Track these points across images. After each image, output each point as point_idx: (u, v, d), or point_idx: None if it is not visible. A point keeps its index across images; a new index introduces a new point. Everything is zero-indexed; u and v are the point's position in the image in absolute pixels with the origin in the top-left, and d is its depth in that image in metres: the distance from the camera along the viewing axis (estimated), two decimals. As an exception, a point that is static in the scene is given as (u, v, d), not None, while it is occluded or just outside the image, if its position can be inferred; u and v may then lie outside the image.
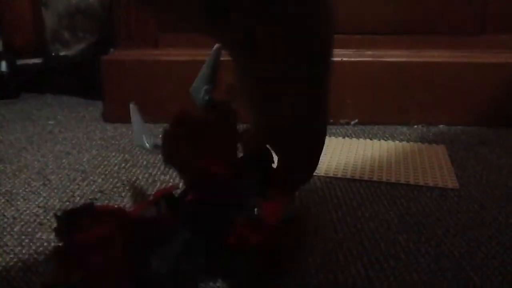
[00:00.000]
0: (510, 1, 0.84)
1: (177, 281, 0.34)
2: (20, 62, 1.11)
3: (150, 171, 0.66)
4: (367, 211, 0.55)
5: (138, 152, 0.73)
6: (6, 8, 1.12)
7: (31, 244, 0.48)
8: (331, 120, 0.87)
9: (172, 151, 0.35)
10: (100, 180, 0.63)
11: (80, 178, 0.64)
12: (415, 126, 0.86)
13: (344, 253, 0.46)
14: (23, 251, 0.46)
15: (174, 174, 0.64)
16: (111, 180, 0.63)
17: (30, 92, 1.09)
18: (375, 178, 0.63)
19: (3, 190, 0.60)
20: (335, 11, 0.36)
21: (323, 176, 0.64)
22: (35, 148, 0.75)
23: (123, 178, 0.63)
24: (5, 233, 0.50)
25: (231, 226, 0.36)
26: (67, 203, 0.56)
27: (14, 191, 0.60)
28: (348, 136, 0.80)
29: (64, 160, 0.70)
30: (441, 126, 0.86)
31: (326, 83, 0.37)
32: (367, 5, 0.85)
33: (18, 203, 0.57)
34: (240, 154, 0.39)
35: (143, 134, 0.47)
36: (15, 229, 0.51)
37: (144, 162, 0.69)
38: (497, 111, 0.85)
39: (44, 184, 0.62)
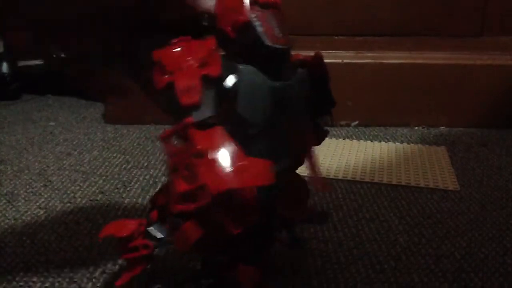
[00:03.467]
0: (509, 4, 0.84)
1: None
2: (21, 63, 1.11)
3: (151, 172, 0.66)
4: (368, 213, 0.55)
5: (139, 153, 0.73)
6: (7, 9, 1.12)
7: (32, 245, 0.48)
8: (332, 122, 0.87)
9: None
10: (101, 181, 0.63)
11: (81, 179, 0.64)
12: (416, 128, 0.86)
13: (345, 254, 0.46)
14: (24, 252, 0.47)
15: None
16: (112, 181, 0.63)
17: (31, 93, 1.10)
18: (375, 180, 0.63)
19: (4, 191, 0.60)
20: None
21: (323, 178, 0.64)
22: (36, 149, 0.75)
23: (124, 179, 0.63)
24: (6, 234, 0.50)
25: None
26: (68, 204, 0.56)
27: (15, 192, 0.60)
28: (348, 138, 0.81)
29: (65, 161, 0.70)
30: (441, 127, 0.86)
31: None
32: (367, 7, 0.85)
33: (19, 204, 0.57)
34: None
35: None
36: (16, 230, 0.51)
37: (145, 163, 0.69)
38: (497, 112, 0.86)
39: (45, 185, 0.62)
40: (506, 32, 0.85)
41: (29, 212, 0.55)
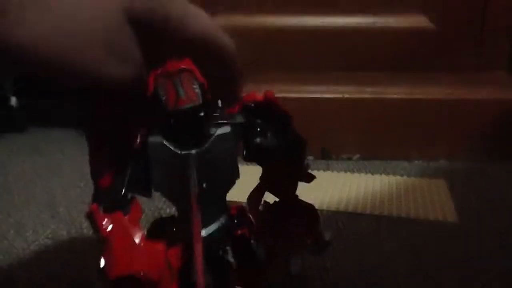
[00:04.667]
0: (504, 40, 0.86)
1: None
2: (29, 96, 1.13)
3: (156, 203, 0.67)
4: (368, 244, 0.56)
5: (144, 185, 0.74)
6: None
7: (40, 275, 0.49)
8: (333, 156, 0.88)
9: None
10: (107, 212, 0.64)
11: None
12: (416, 161, 0.87)
13: (346, 284, 0.47)
14: (32, 282, 0.48)
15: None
16: (118, 212, 0.64)
17: (37, 125, 1.11)
18: (376, 212, 0.65)
19: (12, 221, 0.61)
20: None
21: (325, 210, 0.65)
22: (43, 181, 0.76)
23: (130, 210, 0.64)
24: (14, 264, 0.51)
25: None
26: (76, 234, 0.58)
27: (23, 222, 0.61)
28: (349, 171, 0.82)
29: (71, 193, 0.71)
30: (441, 160, 0.87)
31: None
32: (367, 44, 0.88)
33: (27, 234, 0.58)
34: None
35: None
36: (24, 260, 0.52)
37: (150, 195, 0.70)
38: (495, 145, 0.87)
39: (53, 216, 0.63)
40: (502, 67, 0.87)
41: (37, 242, 0.56)
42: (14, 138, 1.02)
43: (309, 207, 0.43)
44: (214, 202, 0.35)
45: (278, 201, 0.43)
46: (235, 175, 0.35)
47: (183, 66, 0.32)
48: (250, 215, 0.40)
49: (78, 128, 1.08)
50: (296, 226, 0.43)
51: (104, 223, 0.32)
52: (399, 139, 0.88)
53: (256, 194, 0.43)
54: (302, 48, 0.89)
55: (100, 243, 0.33)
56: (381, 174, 0.80)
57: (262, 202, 0.44)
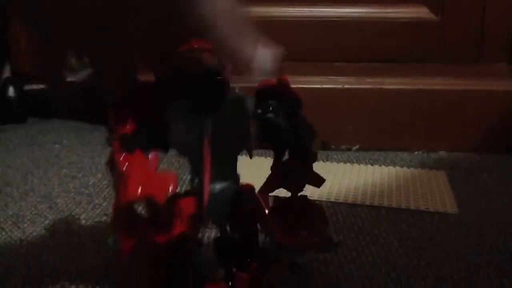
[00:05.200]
0: (504, 32, 0.86)
1: None
2: (27, 87, 1.13)
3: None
4: (368, 235, 0.56)
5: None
6: (14, 34, 1.15)
7: (37, 266, 0.49)
8: (333, 146, 0.88)
9: None
10: (105, 203, 0.64)
11: (86, 201, 0.65)
12: (416, 152, 0.87)
13: (345, 276, 0.47)
14: (30, 273, 0.47)
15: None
16: (116, 203, 0.64)
17: (36, 116, 1.11)
18: (376, 203, 0.64)
19: (10, 213, 0.61)
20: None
21: (324, 201, 0.65)
22: (41, 172, 0.76)
23: (128, 201, 0.64)
24: (11, 255, 0.51)
25: None
26: (73, 226, 0.57)
27: (21, 213, 0.61)
28: (349, 162, 0.82)
29: (70, 184, 0.71)
30: (441, 152, 0.87)
31: None
32: (366, 35, 0.87)
33: (25, 225, 0.58)
34: None
35: None
36: (21, 251, 0.52)
37: (149, 186, 0.69)
38: (496, 138, 0.87)
39: (50, 207, 0.63)
40: (502, 59, 0.87)
41: (34, 234, 0.55)
42: (13, 130, 1.02)
43: (319, 208, 0.43)
44: (225, 162, 0.37)
45: (288, 197, 0.43)
46: (247, 139, 0.37)
47: (205, 45, 0.35)
48: (259, 197, 0.40)
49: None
50: (306, 227, 0.42)
51: (123, 160, 0.34)
52: (399, 130, 0.87)
53: (267, 187, 0.43)
54: (301, 39, 0.88)
55: (116, 182, 0.34)
56: (380, 165, 0.80)
57: (272, 198, 0.44)
